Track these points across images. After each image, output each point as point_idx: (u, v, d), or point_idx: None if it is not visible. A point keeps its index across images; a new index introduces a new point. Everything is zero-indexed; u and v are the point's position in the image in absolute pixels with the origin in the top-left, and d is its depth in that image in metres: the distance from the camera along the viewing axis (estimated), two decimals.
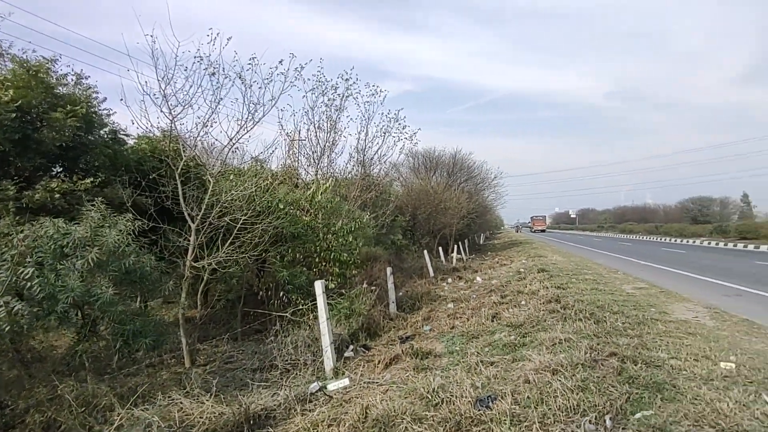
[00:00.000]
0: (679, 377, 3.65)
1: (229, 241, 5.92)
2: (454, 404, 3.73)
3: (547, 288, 8.61)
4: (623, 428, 2.85)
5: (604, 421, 2.93)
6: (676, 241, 33.07)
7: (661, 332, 5.20)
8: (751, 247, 22.39)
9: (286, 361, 5.68)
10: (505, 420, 3.15)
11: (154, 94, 5.60)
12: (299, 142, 11.77)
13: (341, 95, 10.95)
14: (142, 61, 5.63)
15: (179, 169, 5.68)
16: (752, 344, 4.80)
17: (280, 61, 6.98)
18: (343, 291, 7.73)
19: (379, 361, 5.87)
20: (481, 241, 40.68)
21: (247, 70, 6.41)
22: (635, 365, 3.90)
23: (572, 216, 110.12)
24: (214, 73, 5.96)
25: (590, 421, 2.91)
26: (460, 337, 6.72)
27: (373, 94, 11.28)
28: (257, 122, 6.53)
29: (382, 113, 11.57)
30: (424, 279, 13.74)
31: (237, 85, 6.42)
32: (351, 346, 6.57)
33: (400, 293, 11.08)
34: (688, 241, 31.27)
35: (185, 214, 5.75)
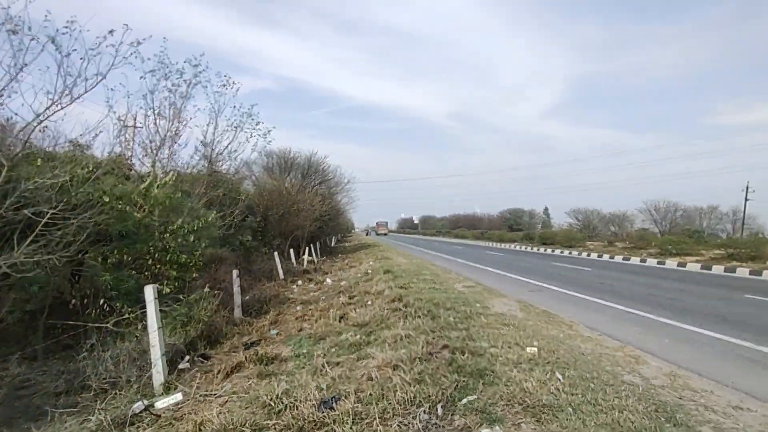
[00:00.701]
0: (496, 363, 4.18)
1: (30, 239, 4.88)
2: (298, 409, 3.66)
3: (392, 288, 9.10)
4: (452, 414, 3.13)
5: (437, 409, 3.18)
6: (497, 245, 38.25)
7: (484, 325, 5.91)
8: (549, 251, 27.31)
9: (104, 379, 4.91)
10: (347, 419, 3.19)
11: None
12: (134, 129, 10.40)
13: (188, 82, 10.03)
14: None
15: None
16: (549, 331, 5.76)
17: (111, 32, 6.05)
18: (181, 296, 7.02)
19: (218, 371, 5.47)
20: (333, 244, 41.30)
21: (64, 34, 5.41)
22: (463, 355, 4.34)
23: (415, 222, 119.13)
24: (16, 32, 4.87)
25: (425, 412, 3.14)
26: (308, 340, 6.67)
27: (224, 85, 10.58)
28: (76, 99, 5.55)
29: (235, 106, 10.90)
30: (273, 281, 13.34)
31: (50, 51, 5.37)
32: (187, 357, 6.00)
33: (247, 297, 10.55)
34: (506, 246, 36.47)
35: None
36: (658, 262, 17.89)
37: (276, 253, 14.24)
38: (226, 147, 11.04)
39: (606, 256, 21.40)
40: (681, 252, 19.79)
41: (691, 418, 3.09)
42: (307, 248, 20.08)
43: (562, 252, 25.94)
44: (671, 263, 17.38)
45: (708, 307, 7.84)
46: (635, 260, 19.23)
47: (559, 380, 3.69)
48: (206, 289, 7.49)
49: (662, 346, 5.24)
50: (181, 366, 5.80)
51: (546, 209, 69.39)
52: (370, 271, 13.51)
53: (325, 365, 4.99)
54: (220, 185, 11.12)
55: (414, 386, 3.60)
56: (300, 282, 13.14)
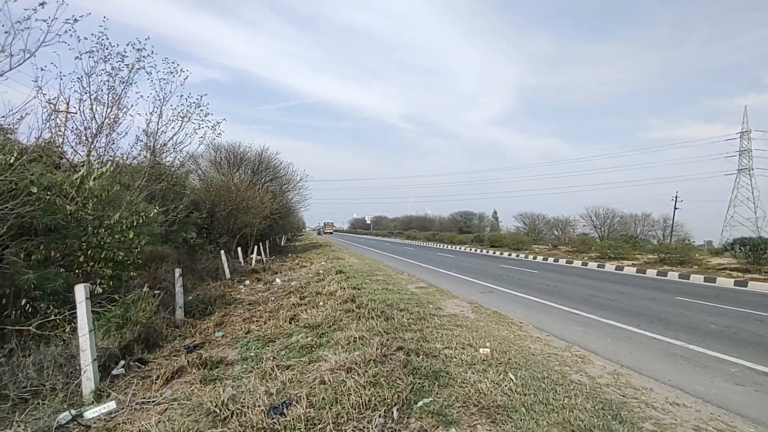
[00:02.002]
0: (451, 364, 4.16)
1: None
2: (245, 416, 3.46)
3: (344, 289, 8.96)
4: (408, 417, 3.06)
5: (392, 413, 3.10)
6: (447, 247, 38.97)
7: (438, 326, 5.90)
8: (498, 253, 28.14)
9: (24, 388, 4.45)
10: (299, 426, 3.04)
11: None
12: (66, 114, 9.60)
13: (130, 66, 9.39)
14: None
15: None
16: (500, 332, 5.84)
17: (42, 4, 5.52)
18: (117, 297, 6.52)
19: (158, 377, 5.12)
20: (283, 243, 40.44)
21: None
22: (418, 357, 4.29)
23: (368, 222, 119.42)
24: None
25: (380, 416, 3.04)
26: (256, 342, 6.40)
27: (171, 72, 9.99)
28: None
29: (182, 95, 10.32)
30: (219, 281, 12.79)
31: None
32: (122, 362, 5.57)
33: (191, 297, 10.03)
34: (456, 248, 37.24)
35: None
36: (598, 266, 18.88)
37: (222, 252, 13.67)
38: (171, 138, 10.43)
39: (551, 259, 22.32)
40: (619, 256, 21.04)
41: (634, 415, 3.20)
42: (255, 247, 19.48)
43: (510, 254, 26.80)
44: (610, 266, 18.40)
45: (644, 308, 8.31)
46: (577, 263, 20.20)
47: (512, 381, 3.72)
48: (145, 289, 6.99)
49: (605, 346, 5.45)
50: (115, 372, 5.38)
51: (495, 213, 71.89)
52: (321, 272, 13.28)
53: (275, 369, 4.79)
54: (164, 178, 10.49)
55: (369, 389, 3.49)
56: (248, 282, 12.68)
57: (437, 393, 3.40)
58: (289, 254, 25.24)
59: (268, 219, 21.84)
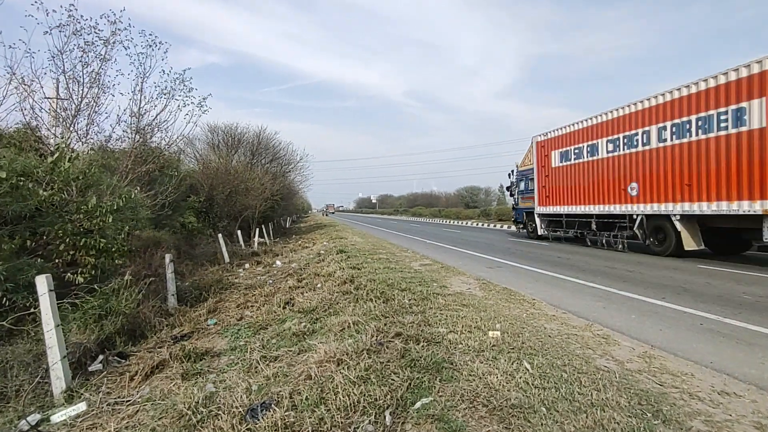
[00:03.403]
0: (456, 352, 3.64)
1: None
2: (220, 419, 2.97)
3: (343, 269, 8.47)
4: (403, 422, 2.54)
5: (384, 417, 2.58)
6: (454, 222, 38.34)
7: (441, 306, 5.38)
8: (506, 227, 27.50)
9: None
10: None
11: None
12: (43, 95, 9.01)
13: (105, 40, 8.75)
14: None
15: None
16: (511, 311, 5.31)
17: None
18: (96, 287, 6.06)
19: (137, 372, 4.68)
20: (288, 225, 40.09)
21: None
22: (418, 345, 3.77)
23: (373, 201, 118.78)
24: None
25: (370, 422, 2.52)
26: (247, 330, 5.95)
27: (149, 45, 9.33)
28: None
29: (164, 71, 9.67)
30: (218, 266, 12.37)
31: None
32: (101, 357, 5.13)
33: (187, 283, 9.61)
34: (463, 223, 36.60)
35: None
36: None
37: (220, 236, 13.20)
38: (155, 117, 9.83)
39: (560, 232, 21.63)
40: None
41: (678, 411, 2.66)
42: (257, 229, 19.02)
43: None
44: None
45: (666, 278, 7.71)
46: None
47: (528, 370, 3.19)
48: (128, 277, 6.51)
49: (630, 323, 4.90)
50: (92, 368, 4.95)
51: (501, 186, 70.67)
52: (322, 252, 12.80)
53: (261, 361, 4.31)
54: (151, 160, 9.93)
55: (359, 387, 2.98)
56: (247, 265, 12.24)
57: (439, 390, 2.87)
58: (293, 236, 24.83)
59: (269, 201, 21.35)
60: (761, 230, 8.54)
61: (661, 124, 11.02)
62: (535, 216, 16.82)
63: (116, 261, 7.24)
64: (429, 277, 7.65)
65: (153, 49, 9.45)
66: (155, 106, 9.70)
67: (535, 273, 8.56)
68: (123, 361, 5.17)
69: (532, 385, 2.92)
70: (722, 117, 9.44)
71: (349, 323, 4.64)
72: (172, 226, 14.46)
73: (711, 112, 9.69)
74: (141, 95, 9.54)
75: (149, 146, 10.32)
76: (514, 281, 7.60)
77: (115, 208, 7.05)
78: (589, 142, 13.70)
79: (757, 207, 8.52)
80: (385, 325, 4.46)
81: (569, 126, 14.70)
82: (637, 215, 11.85)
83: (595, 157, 13.46)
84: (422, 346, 3.74)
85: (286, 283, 8.52)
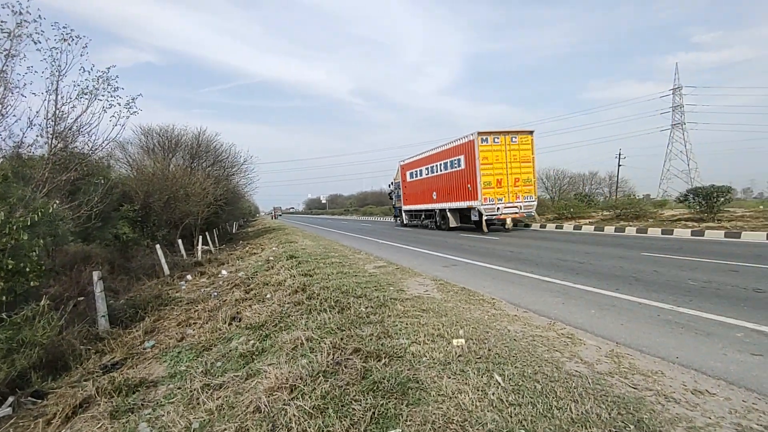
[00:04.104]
0: (420, 367, 3.34)
1: None
2: None
3: (294, 277, 7.98)
4: None
5: None
6: None
7: (401, 313, 5.09)
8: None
9: None
10: None
11: None
12: None
13: (10, 33, 7.74)
14: None
15: None
16: (472, 313, 5.11)
17: None
18: (4, 316, 5.26)
19: (56, 414, 4.05)
20: (234, 230, 38.56)
21: None
22: (379, 362, 3.44)
23: (323, 201, 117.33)
24: None
25: None
26: (189, 352, 5.37)
27: (64, 39, 8.37)
28: None
29: (83, 68, 8.70)
30: (157, 279, 11.45)
31: None
32: (10, 399, 4.41)
33: (121, 301, 8.76)
34: None
35: None
36: (557, 227, 18.73)
37: (158, 246, 12.24)
38: (76, 120, 8.86)
39: None
40: (575, 215, 21.04)
41: (659, 418, 2.50)
42: (200, 237, 17.96)
43: None
44: (568, 227, 18.26)
45: (616, 268, 7.87)
46: (536, 226, 20.04)
47: (500, 384, 2.94)
48: (44, 302, 5.72)
49: (591, 319, 4.82)
50: (0, 414, 4.24)
51: None
52: (272, 258, 12.18)
53: (203, 390, 3.82)
54: (74, 167, 8.95)
55: (315, 420, 2.61)
56: (189, 277, 11.42)
57: (407, 418, 2.55)
58: (240, 241, 23.75)
59: (213, 206, 20.27)
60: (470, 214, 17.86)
61: (436, 163, 20.49)
62: (402, 212, 26.45)
63: (32, 283, 6.37)
64: (385, 280, 7.35)
65: (69, 44, 8.49)
66: (75, 107, 8.73)
67: (490, 270, 8.48)
68: (39, 401, 4.48)
69: (507, 402, 2.67)
70: (454, 162, 18.65)
71: (302, 340, 4.23)
72: (104, 238, 13.28)
73: (453, 158, 18.78)
74: (57, 95, 8.55)
75: (71, 152, 9.30)
76: (471, 280, 7.46)
77: (28, 223, 6.21)
78: (418, 168, 22.93)
79: (469, 204, 17.52)
80: (342, 339, 4.09)
81: (413, 157, 23.90)
82: (436, 210, 21.00)
83: (421, 177, 22.59)
84: (384, 363, 3.41)
85: (232, 295, 7.92)
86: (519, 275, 7.73)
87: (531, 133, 17.59)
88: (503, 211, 16.78)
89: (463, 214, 19.06)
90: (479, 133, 16.59)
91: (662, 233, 14.00)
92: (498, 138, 16.73)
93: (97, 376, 5.03)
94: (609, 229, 16.13)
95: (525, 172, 17.19)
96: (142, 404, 4.04)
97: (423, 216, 23.26)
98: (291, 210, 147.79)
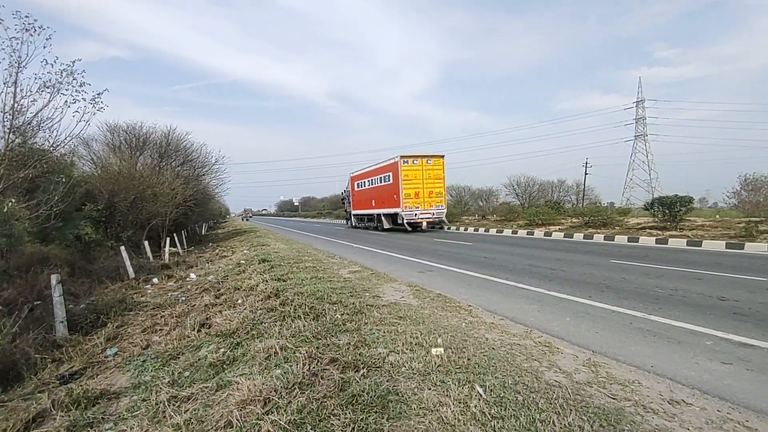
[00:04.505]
0: (400, 378, 3.26)
1: None
2: None
3: (267, 281, 7.77)
4: None
5: None
6: None
7: (377, 320, 5.00)
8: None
9: None
10: None
11: None
12: None
13: None
14: None
15: None
16: (449, 320, 5.07)
17: None
18: None
19: (6, 429, 3.76)
20: (204, 231, 37.61)
21: None
22: (357, 372, 3.34)
23: (296, 204, 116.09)
24: None
25: None
26: (155, 360, 5.12)
27: (26, 29, 7.94)
28: None
29: (46, 60, 8.26)
30: (121, 282, 10.97)
31: None
32: None
33: (82, 305, 8.34)
34: None
35: None
36: (528, 233, 19.08)
37: (123, 248, 11.75)
38: (36, 114, 8.40)
39: (482, 230, 22.35)
40: (545, 222, 21.50)
41: (638, 429, 2.50)
42: (168, 238, 17.38)
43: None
44: (539, 233, 18.63)
45: (587, 275, 8.02)
46: (508, 232, 20.34)
47: (482, 396, 2.89)
48: None
49: (566, 327, 4.86)
50: None
51: None
52: (243, 261, 11.87)
53: (170, 403, 3.62)
54: (32, 164, 8.48)
55: None
56: (156, 280, 10.99)
57: None
58: (210, 243, 23.14)
59: (182, 207, 19.65)
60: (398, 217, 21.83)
61: (374, 177, 24.97)
62: (351, 215, 31.67)
63: None
64: (360, 286, 7.25)
65: (32, 35, 8.06)
66: (35, 101, 8.27)
67: (465, 276, 8.50)
68: None
69: (490, 415, 2.62)
70: (386, 177, 23.00)
71: (276, 349, 4.08)
72: (65, 239, 12.66)
73: (385, 174, 23.18)
74: (16, 88, 8.08)
75: (30, 148, 8.81)
76: (447, 286, 7.44)
77: None
78: (363, 180, 27.49)
79: (395, 210, 21.76)
80: (318, 348, 3.97)
81: (359, 171, 28.47)
82: (374, 214, 25.46)
83: (365, 188, 27.17)
84: (362, 373, 3.31)
85: (201, 300, 7.65)
86: (494, 281, 7.78)
87: (442, 156, 22.15)
88: (420, 217, 21.56)
89: (393, 218, 23.46)
90: (402, 157, 21.35)
91: (628, 241, 14.44)
92: (417, 160, 21.60)
93: (53, 388, 4.73)
94: (578, 236, 16.53)
95: (437, 187, 21.90)
96: (102, 418, 3.80)
97: (366, 219, 27.97)
98: (263, 212, 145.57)
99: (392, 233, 22.58)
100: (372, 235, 22.52)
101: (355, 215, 30.48)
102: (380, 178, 23.99)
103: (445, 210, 22.47)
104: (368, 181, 26.35)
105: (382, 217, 24.05)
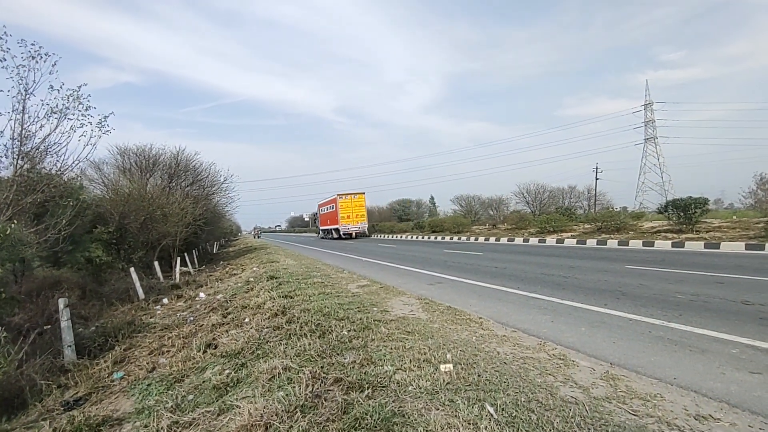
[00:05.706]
0: (406, 397, 3.11)
1: None
2: None
3: (274, 299, 7.66)
4: None
5: None
6: (388, 237, 38.24)
7: (385, 336, 4.85)
8: (439, 238, 27.80)
9: None
10: None
11: None
12: None
13: None
14: None
15: None
16: (459, 334, 4.90)
17: None
18: None
19: None
20: (215, 250, 37.80)
21: None
22: (362, 393, 3.19)
23: (306, 219, 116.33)
24: None
25: None
26: (159, 384, 5.02)
27: (32, 57, 8.08)
28: None
29: (52, 86, 8.38)
30: (131, 304, 10.96)
31: None
32: None
33: (92, 329, 8.30)
34: (398, 236, 36.60)
35: None
36: (539, 240, 18.80)
37: (132, 269, 11.77)
38: (44, 140, 8.50)
39: (492, 239, 22.12)
40: (557, 229, 21.17)
41: None
42: (179, 258, 17.43)
43: (451, 238, 26.46)
44: (551, 240, 18.34)
45: (601, 282, 7.78)
46: (519, 240, 20.09)
47: (492, 416, 2.73)
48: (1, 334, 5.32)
49: (582, 337, 4.66)
50: None
51: (432, 198, 72.07)
52: (252, 279, 11.80)
53: (171, 429, 3.50)
54: (41, 188, 8.55)
55: None
56: (165, 300, 10.96)
57: None
58: (221, 261, 23.19)
59: (192, 226, 19.75)
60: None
61: (327, 206, 40.10)
62: (319, 230, 46.09)
63: None
64: (368, 300, 7.10)
65: (38, 62, 8.20)
66: (42, 126, 8.37)
67: (475, 287, 8.31)
68: None
69: None
70: (331, 206, 38.32)
71: (280, 370, 3.95)
72: (75, 262, 12.74)
73: (330, 204, 38.52)
74: (24, 115, 8.20)
75: (38, 173, 8.89)
76: (457, 298, 7.27)
77: None
78: (323, 207, 42.03)
79: (336, 226, 36.33)
80: (322, 368, 3.83)
81: (321, 201, 43.40)
82: (330, 228, 38.87)
83: (325, 212, 41.38)
84: (366, 394, 3.17)
85: (209, 320, 7.56)
86: (505, 291, 7.58)
87: (363, 193, 36.37)
88: (350, 230, 35.51)
89: (337, 231, 36.22)
90: (338, 194, 35.63)
91: (643, 245, 14.11)
92: (347, 196, 35.62)
93: (56, 414, 4.66)
94: (591, 242, 16.21)
95: (361, 211, 36.00)
96: None
97: (326, 232, 41.76)
98: (277, 228, 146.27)
99: (401, 245, 22.42)
100: (381, 247, 22.41)
101: (321, 230, 45.05)
102: (330, 206, 38.36)
103: (367, 225, 36.81)
104: (325, 208, 41.22)
105: (333, 232, 38.06)
